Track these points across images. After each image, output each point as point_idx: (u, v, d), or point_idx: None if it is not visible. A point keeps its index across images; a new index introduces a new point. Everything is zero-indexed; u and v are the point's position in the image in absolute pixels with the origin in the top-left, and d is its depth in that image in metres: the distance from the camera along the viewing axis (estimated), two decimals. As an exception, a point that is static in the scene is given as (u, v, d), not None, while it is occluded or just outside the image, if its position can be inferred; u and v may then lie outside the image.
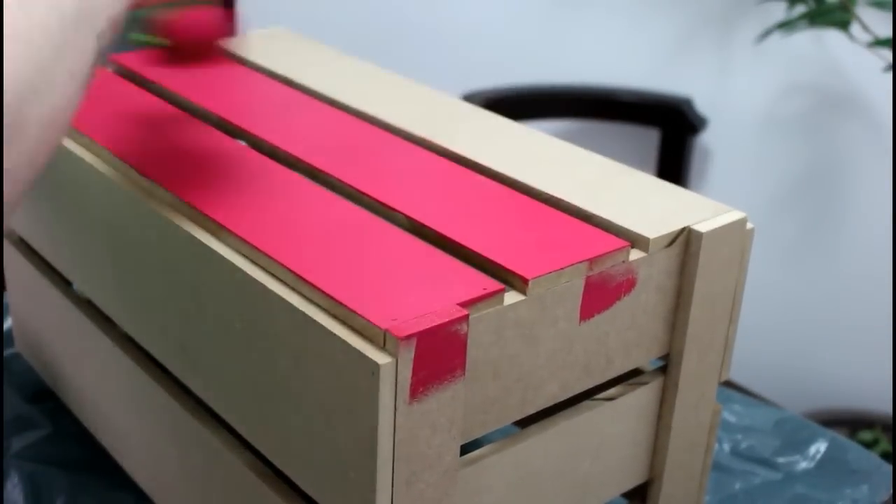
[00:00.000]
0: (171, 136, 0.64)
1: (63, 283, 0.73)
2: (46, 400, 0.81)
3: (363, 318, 0.45)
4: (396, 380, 0.44)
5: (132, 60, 0.78)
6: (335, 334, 0.45)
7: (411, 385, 0.45)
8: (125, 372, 0.66)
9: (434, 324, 0.45)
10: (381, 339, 0.44)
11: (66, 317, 0.72)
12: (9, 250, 0.79)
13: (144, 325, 0.62)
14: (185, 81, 0.73)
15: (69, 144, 0.64)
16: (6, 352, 0.87)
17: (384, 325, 0.44)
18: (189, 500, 0.64)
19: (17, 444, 0.76)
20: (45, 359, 0.80)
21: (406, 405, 0.45)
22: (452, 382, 0.47)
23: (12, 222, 0.78)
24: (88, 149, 0.64)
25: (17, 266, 0.78)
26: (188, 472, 0.63)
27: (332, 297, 0.47)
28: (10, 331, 0.90)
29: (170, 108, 0.68)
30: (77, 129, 0.65)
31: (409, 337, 0.44)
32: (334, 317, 0.47)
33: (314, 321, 0.46)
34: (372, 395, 0.44)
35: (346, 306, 0.46)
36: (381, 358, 0.44)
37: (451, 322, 0.45)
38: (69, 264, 0.69)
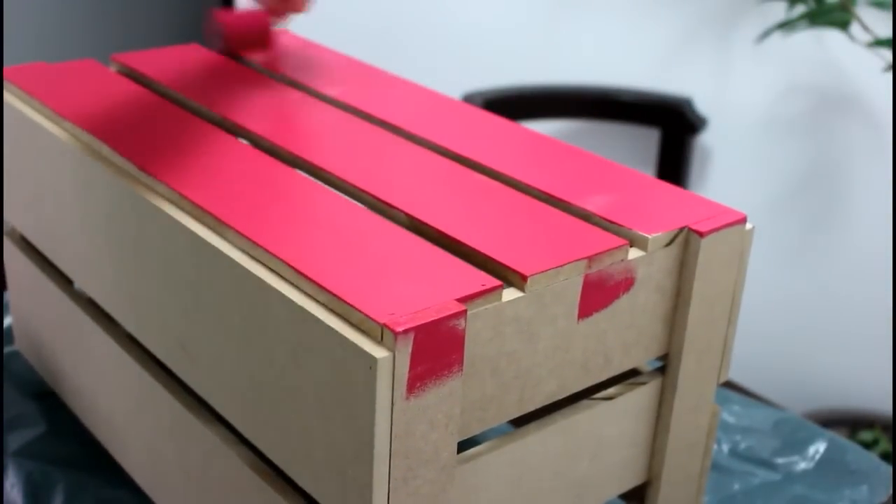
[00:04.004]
0: (171, 134, 0.64)
1: (63, 281, 0.73)
2: (45, 398, 0.81)
3: (361, 312, 0.45)
4: (394, 374, 0.44)
5: (134, 59, 0.78)
6: (333, 329, 0.45)
7: (408, 380, 0.45)
8: (125, 369, 0.66)
9: (432, 319, 0.45)
10: (378, 334, 0.44)
11: (67, 314, 0.72)
12: (9, 248, 0.79)
13: (144, 322, 0.62)
14: (187, 80, 0.74)
15: (70, 142, 0.64)
16: (8, 349, 0.87)
17: (382, 320, 0.44)
18: (187, 497, 0.64)
19: (15, 442, 0.76)
20: (44, 356, 0.80)
21: (403, 400, 0.45)
22: (450, 378, 0.47)
23: (12, 220, 0.78)
24: (90, 146, 0.64)
25: (18, 264, 0.78)
26: (186, 468, 0.63)
27: (330, 292, 0.47)
28: (9, 329, 0.90)
29: (171, 107, 0.68)
30: (79, 126, 0.65)
31: (406, 331, 0.44)
32: (332, 311, 0.47)
33: (312, 316, 0.46)
34: (369, 389, 0.44)
35: (344, 301, 0.46)
36: (378, 352, 0.44)
37: (449, 317, 0.45)
38: (70, 262, 0.69)
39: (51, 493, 0.71)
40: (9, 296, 0.83)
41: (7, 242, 0.79)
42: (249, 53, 0.78)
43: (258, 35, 0.79)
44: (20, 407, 0.80)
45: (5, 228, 0.80)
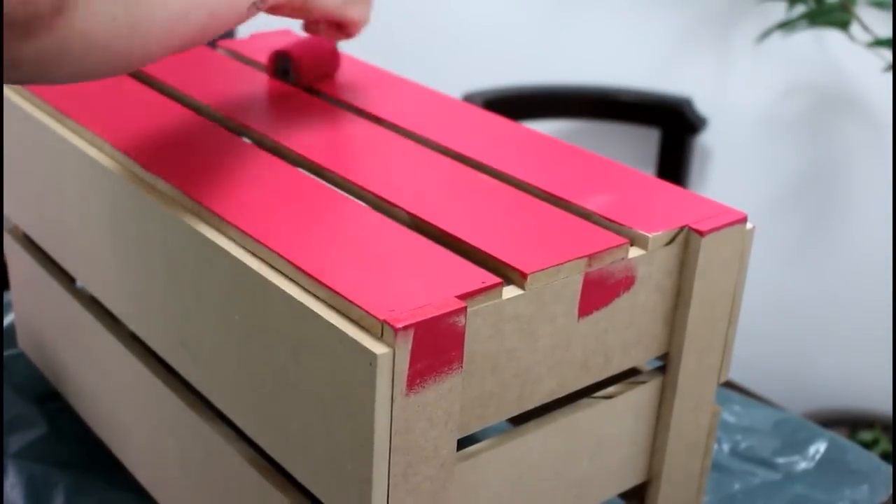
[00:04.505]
0: (174, 132, 0.64)
1: (66, 279, 0.73)
2: (46, 400, 0.81)
3: (361, 308, 0.45)
4: (394, 371, 0.44)
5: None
6: (333, 325, 0.45)
7: (408, 376, 0.45)
8: (127, 367, 0.66)
9: (432, 315, 0.45)
10: (378, 330, 0.44)
11: (69, 313, 0.72)
12: (12, 246, 0.79)
13: (146, 320, 0.62)
14: (190, 79, 0.74)
15: (72, 139, 0.64)
16: (8, 351, 0.87)
17: (382, 316, 0.44)
18: (189, 495, 0.64)
19: (16, 443, 0.76)
20: (47, 355, 0.80)
21: (403, 396, 0.45)
22: (450, 375, 0.47)
23: (15, 217, 0.78)
24: (92, 143, 0.64)
25: (20, 261, 0.78)
26: (188, 466, 0.63)
27: (330, 288, 0.47)
28: (9, 329, 0.89)
29: (173, 104, 0.68)
30: (81, 123, 0.65)
31: (406, 328, 0.44)
32: (333, 308, 0.47)
33: (313, 312, 0.46)
34: (369, 385, 0.44)
35: (344, 297, 0.46)
36: (378, 348, 0.44)
37: (449, 314, 0.45)
38: (72, 259, 0.69)
39: (51, 494, 0.71)
40: (10, 294, 0.83)
41: (9, 240, 0.79)
42: (320, 82, 0.75)
43: (328, 62, 0.75)
44: (21, 408, 0.80)
45: (7, 226, 0.80)
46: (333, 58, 0.75)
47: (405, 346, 0.44)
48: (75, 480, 0.72)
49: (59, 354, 0.77)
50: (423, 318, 0.44)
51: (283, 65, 0.74)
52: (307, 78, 0.73)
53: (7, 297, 0.93)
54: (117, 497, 0.71)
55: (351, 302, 0.46)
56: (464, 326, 0.46)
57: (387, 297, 0.46)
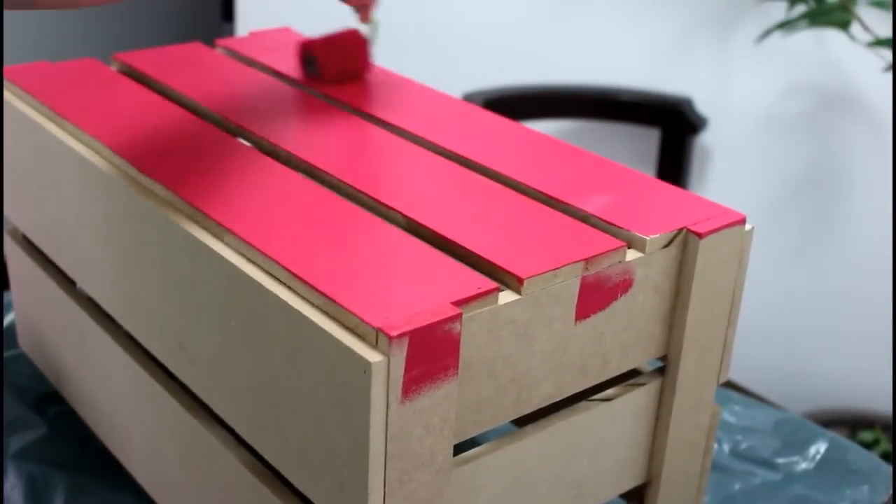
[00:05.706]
0: (171, 134, 0.64)
1: (65, 282, 0.73)
2: (46, 400, 0.81)
3: (356, 316, 0.45)
4: (389, 378, 0.44)
5: (134, 59, 0.77)
6: (328, 332, 0.45)
7: (403, 383, 0.45)
8: (126, 370, 0.66)
9: (427, 322, 0.44)
10: (373, 338, 0.44)
11: (68, 314, 0.72)
12: (12, 247, 0.79)
13: (144, 324, 0.62)
14: (187, 80, 0.73)
15: (71, 142, 0.64)
16: (8, 352, 0.87)
17: (376, 324, 0.44)
18: (187, 498, 0.64)
19: (15, 444, 0.76)
20: (47, 356, 0.80)
21: (398, 404, 0.45)
22: (445, 381, 0.46)
23: (14, 219, 0.77)
24: (90, 146, 0.64)
25: (20, 263, 0.78)
26: (187, 470, 0.63)
27: (325, 295, 0.47)
28: (9, 329, 0.89)
29: (171, 107, 0.68)
30: (79, 126, 0.65)
31: (401, 335, 0.44)
32: (328, 315, 0.47)
33: (307, 319, 0.46)
34: (364, 393, 0.44)
35: (339, 304, 0.46)
36: (373, 356, 0.44)
37: (444, 321, 0.45)
38: (71, 262, 0.69)
39: (51, 495, 0.71)
40: (10, 295, 0.83)
41: (9, 241, 0.79)
42: (346, 80, 0.75)
43: (354, 58, 0.75)
44: (21, 409, 0.80)
45: (7, 227, 0.80)
46: (360, 52, 0.75)
47: (400, 353, 0.44)
48: (75, 481, 0.73)
49: (58, 355, 0.77)
50: (418, 325, 0.44)
51: (307, 58, 0.74)
52: (331, 72, 0.74)
53: (7, 297, 0.93)
54: (117, 498, 0.71)
55: (346, 309, 0.46)
56: (459, 333, 0.46)
57: (382, 304, 0.46)
